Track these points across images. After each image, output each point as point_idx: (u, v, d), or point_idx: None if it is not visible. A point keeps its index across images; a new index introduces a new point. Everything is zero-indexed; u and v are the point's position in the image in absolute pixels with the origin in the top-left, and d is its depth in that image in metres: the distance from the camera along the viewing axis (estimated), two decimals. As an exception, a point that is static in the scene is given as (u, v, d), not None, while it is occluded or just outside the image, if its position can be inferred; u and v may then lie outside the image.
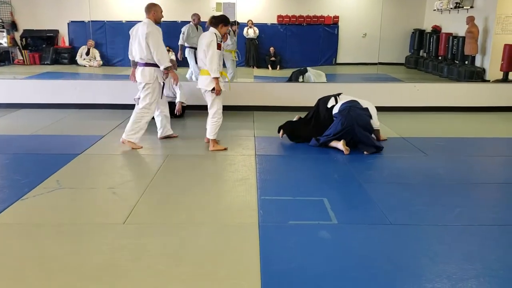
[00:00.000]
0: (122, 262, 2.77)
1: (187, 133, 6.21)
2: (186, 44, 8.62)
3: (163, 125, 5.57)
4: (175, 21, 12.95)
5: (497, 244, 3.06)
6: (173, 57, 11.44)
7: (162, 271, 2.68)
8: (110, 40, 12.94)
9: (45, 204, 3.66)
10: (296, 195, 3.87)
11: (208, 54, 4.78)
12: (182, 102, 6.73)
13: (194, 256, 2.85)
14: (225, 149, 5.16)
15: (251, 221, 3.35)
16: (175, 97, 6.79)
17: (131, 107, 6.78)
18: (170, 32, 12.91)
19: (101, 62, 12.69)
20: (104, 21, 12.77)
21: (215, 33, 4.82)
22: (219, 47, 4.82)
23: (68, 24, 12.92)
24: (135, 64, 5.20)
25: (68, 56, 12.82)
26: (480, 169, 4.78)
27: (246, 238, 3.09)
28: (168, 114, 5.60)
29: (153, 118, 5.42)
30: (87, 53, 12.60)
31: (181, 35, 8.66)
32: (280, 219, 3.39)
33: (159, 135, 5.61)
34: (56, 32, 13.01)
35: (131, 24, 13.10)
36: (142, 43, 4.96)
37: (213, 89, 4.90)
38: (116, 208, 3.58)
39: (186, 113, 6.91)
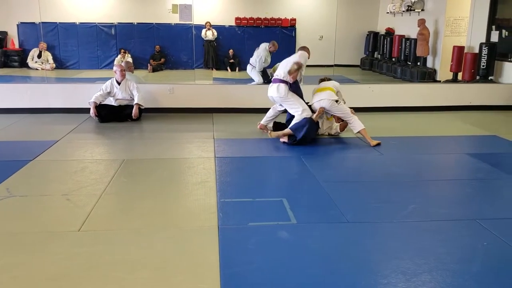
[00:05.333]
0: (77, 271, 2.69)
1: (144, 136, 6.11)
2: (256, 66, 8.80)
3: (270, 116, 5.94)
4: (131, 23, 12.75)
5: (447, 239, 3.18)
6: (130, 60, 11.26)
7: (119, 279, 2.62)
8: (63, 42, 12.57)
9: (-6, 213, 3.50)
10: (256, 197, 3.88)
11: None
12: (140, 105, 6.62)
13: (152, 261, 2.81)
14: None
15: (210, 224, 3.33)
16: (132, 100, 6.66)
17: (86, 111, 6.63)
18: (126, 34, 12.74)
19: (54, 65, 12.30)
20: (56, 22, 12.39)
21: None
22: None
23: (17, 25, 12.45)
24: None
25: (18, 59, 12.36)
26: (432, 166, 4.96)
27: (205, 241, 3.07)
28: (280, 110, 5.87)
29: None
30: (39, 56, 12.18)
31: (258, 59, 8.79)
32: (239, 221, 3.39)
33: (262, 121, 5.97)
34: (4, 33, 12.51)
35: (85, 26, 12.86)
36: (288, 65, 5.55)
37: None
38: (71, 216, 3.47)
39: (142, 116, 6.80)
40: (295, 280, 2.62)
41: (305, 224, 3.36)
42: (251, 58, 9.01)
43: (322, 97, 5.62)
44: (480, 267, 2.81)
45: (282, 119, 5.93)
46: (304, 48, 5.83)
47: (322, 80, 5.95)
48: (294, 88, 5.61)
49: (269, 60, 8.87)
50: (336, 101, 5.61)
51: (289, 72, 5.46)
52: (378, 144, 5.49)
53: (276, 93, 5.52)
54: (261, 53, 8.79)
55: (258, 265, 2.77)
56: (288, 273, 2.69)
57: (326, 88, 5.76)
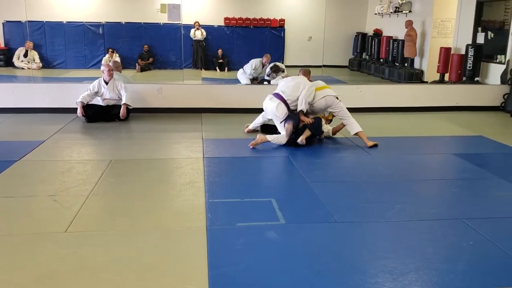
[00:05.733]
0: (64, 273, 2.66)
1: (132, 137, 6.08)
2: (247, 72, 9.23)
3: (258, 123, 5.99)
4: (119, 22, 12.68)
5: (434, 238, 3.21)
6: (118, 59, 11.19)
7: (107, 280, 2.60)
8: (50, 42, 12.46)
9: (-21, 214, 3.46)
10: (244, 197, 3.88)
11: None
12: (128, 105, 6.58)
13: (139, 263, 2.79)
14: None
15: (198, 224, 3.32)
16: (120, 100, 6.62)
17: (73, 111, 6.57)
18: (114, 33, 12.67)
19: (40, 65, 12.18)
20: (43, 21, 12.27)
21: None
22: None
23: (3, 24, 12.31)
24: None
25: (4, 58, 12.21)
26: (419, 166, 5.00)
27: (193, 242, 3.06)
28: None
29: None
30: (25, 55, 12.05)
31: (250, 66, 9.20)
32: (228, 222, 3.38)
33: (250, 126, 6.04)
34: (-11, 32, 12.36)
35: (72, 25, 12.78)
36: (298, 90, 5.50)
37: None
38: (57, 217, 3.43)
39: (130, 116, 6.76)
40: (283, 280, 2.63)
41: (294, 224, 3.37)
42: (245, 65, 9.29)
43: (326, 94, 5.66)
44: (466, 266, 2.84)
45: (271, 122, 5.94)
46: (307, 74, 5.78)
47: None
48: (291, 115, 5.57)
49: (260, 70, 9.18)
50: (337, 97, 5.68)
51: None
52: (375, 146, 5.52)
53: (274, 109, 5.43)
54: (253, 62, 9.12)
55: (246, 266, 2.77)
56: (276, 273, 2.70)
57: (324, 86, 5.82)
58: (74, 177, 4.28)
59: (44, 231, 3.20)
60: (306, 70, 5.88)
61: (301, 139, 5.32)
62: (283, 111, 5.43)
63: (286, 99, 5.45)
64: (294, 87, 5.52)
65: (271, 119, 5.78)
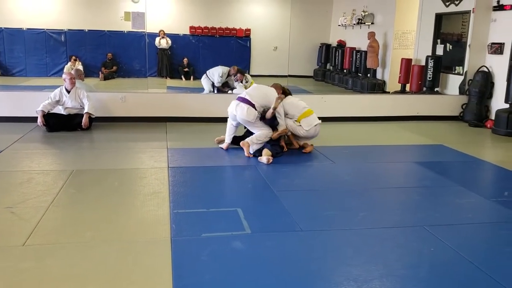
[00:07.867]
0: (21, 288, 2.56)
1: (95, 146, 5.94)
2: (216, 81, 9.05)
3: (231, 133, 5.71)
4: (82, 30, 12.43)
5: (397, 245, 3.27)
6: (80, 67, 10.95)
7: (67, 294, 2.51)
8: (9, 49, 12.07)
9: None
10: (210, 207, 3.85)
11: None
12: (90, 114, 6.44)
13: (102, 275, 2.72)
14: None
15: (163, 236, 3.27)
16: (83, 109, 6.47)
17: (33, 120, 6.37)
18: (77, 41, 12.40)
19: (-2, 72, 11.78)
20: (1, 27, 11.89)
21: None
22: None
23: (-42, 30, 11.85)
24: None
25: (-42, 65, 11.74)
26: (382, 174, 5.11)
27: (158, 254, 3.00)
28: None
29: None
30: (-18, 62, 11.63)
31: (217, 74, 9.02)
32: (193, 232, 3.34)
33: (227, 140, 5.74)
34: None
35: (33, 31, 12.46)
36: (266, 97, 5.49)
37: None
38: (15, 229, 3.30)
39: (93, 125, 6.60)
40: (249, 290, 2.62)
41: (260, 234, 3.36)
42: (208, 71, 9.12)
43: (318, 121, 5.71)
44: (427, 273, 2.91)
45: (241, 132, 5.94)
46: (278, 88, 5.75)
47: (286, 93, 5.88)
48: (269, 121, 5.54)
49: (224, 78, 9.06)
50: None
51: (267, 116, 5.45)
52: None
53: (245, 116, 5.34)
54: (220, 70, 9.02)
55: (212, 277, 2.74)
56: (242, 284, 2.68)
57: (311, 111, 5.78)
58: (33, 188, 4.14)
59: (1, 244, 3.07)
60: (277, 85, 5.83)
61: (260, 159, 5.28)
62: (254, 114, 5.35)
63: (253, 102, 5.37)
64: (261, 94, 5.49)
65: (238, 125, 5.76)
